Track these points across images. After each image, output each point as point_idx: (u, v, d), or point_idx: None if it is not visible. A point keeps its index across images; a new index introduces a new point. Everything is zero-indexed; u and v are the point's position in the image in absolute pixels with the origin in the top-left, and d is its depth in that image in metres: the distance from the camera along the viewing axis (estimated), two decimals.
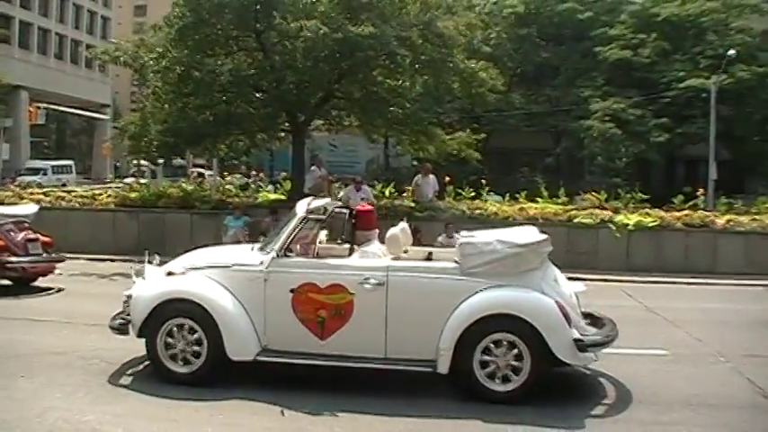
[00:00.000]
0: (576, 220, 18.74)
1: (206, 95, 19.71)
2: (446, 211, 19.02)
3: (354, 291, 7.66)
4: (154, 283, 8.28)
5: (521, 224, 18.19)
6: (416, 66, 20.32)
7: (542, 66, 46.22)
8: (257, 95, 20.90)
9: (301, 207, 8.39)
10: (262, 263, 7.94)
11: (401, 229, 8.91)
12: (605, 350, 7.92)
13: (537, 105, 45.08)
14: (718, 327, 11.82)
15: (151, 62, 20.08)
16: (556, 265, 8.45)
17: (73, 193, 22.55)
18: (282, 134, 22.95)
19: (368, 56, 18.78)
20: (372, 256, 8.30)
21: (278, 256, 7.94)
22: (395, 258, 8.37)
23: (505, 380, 7.47)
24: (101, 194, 21.86)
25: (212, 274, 8.09)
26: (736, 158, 44.34)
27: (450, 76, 20.22)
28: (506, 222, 18.31)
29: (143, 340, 8.02)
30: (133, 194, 21.49)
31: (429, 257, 8.99)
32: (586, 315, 8.44)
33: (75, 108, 67.38)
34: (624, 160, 40.45)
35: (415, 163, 31.40)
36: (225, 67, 18.96)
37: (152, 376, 8.01)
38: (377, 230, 9.09)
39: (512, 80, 46.53)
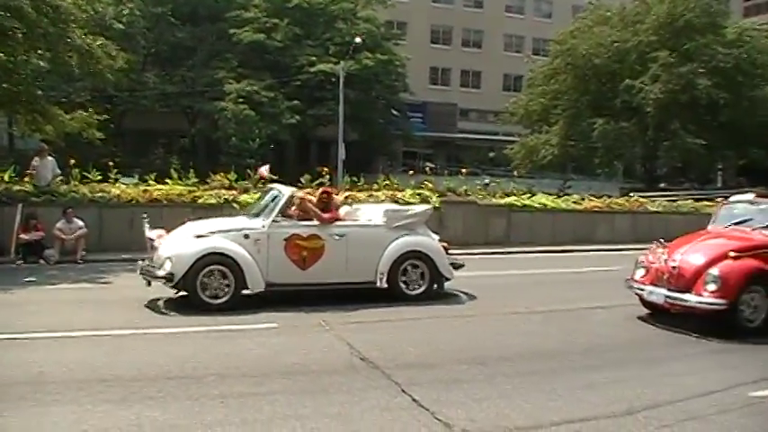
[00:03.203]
0: (200, 201, 18.77)
1: None
2: (66, 195, 18.04)
3: None
4: None
5: (142, 207, 17.99)
6: (31, 39, 18.95)
7: (177, 46, 45.74)
8: None
9: None
10: None
11: None
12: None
13: (172, 86, 44.61)
14: (329, 297, 12.34)
15: None
16: None
17: None
18: None
19: None
20: None
21: None
22: None
23: None
24: None
25: None
26: (364, 139, 47.33)
27: (67, 52, 19.16)
28: (130, 205, 17.90)
29: None
30: None
31: None
32: None
33: None
34: (258, 141, 41.20)
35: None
36: None
37: None
38: None
39: (146, 59, 45.60)
